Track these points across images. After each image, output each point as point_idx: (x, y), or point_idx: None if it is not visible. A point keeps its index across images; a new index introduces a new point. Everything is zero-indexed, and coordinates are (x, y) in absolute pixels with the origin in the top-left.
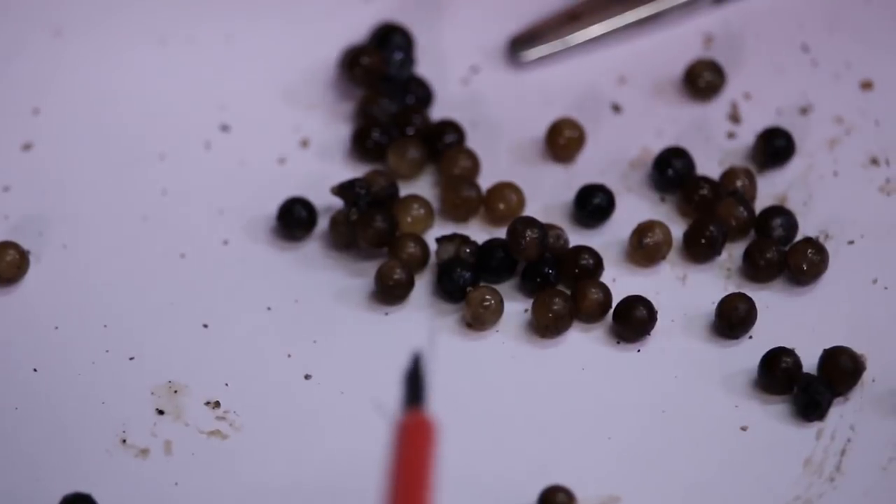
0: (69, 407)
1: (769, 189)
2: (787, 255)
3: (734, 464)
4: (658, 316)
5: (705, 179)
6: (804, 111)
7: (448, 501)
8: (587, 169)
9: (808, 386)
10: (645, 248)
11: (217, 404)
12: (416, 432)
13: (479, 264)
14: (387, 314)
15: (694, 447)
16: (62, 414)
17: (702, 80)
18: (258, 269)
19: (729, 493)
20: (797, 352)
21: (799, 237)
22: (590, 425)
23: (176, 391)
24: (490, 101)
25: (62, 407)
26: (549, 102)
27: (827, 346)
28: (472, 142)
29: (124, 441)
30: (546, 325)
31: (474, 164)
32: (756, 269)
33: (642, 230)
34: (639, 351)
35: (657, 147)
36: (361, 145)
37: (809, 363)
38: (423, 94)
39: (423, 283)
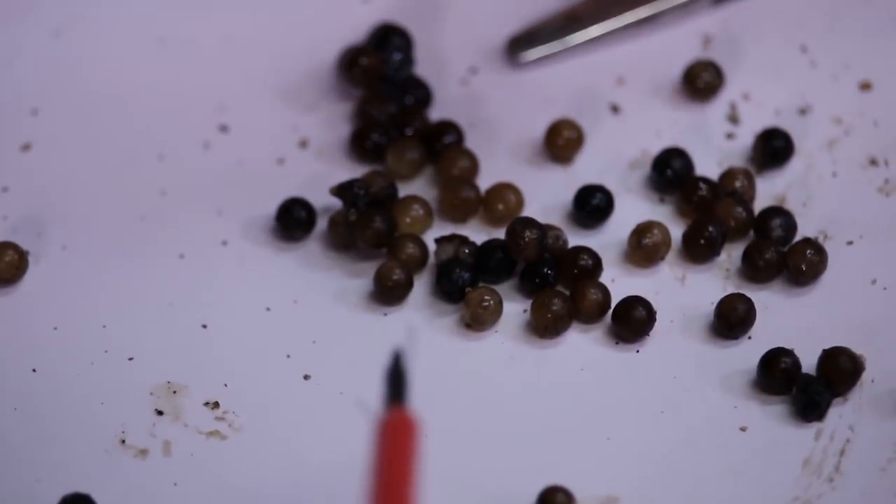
0: (68, 407)
1: (768, 189)
2: (787, 256)
3: (733, 464)
4: (657, 316)
5: (704, 180)
6: (803, 112)
7: (447, 501)
8: (586, 169)
9: (807, 386)
10: (644, 248)
11: (216, 405)
12: (398, 429)
13: (477, 265)
14: (386, 315)
15: (693, 447)
16: (61, 414)
17: (701, 81)
18: (257, 270)
19: (728, 494)
20: (796, 352)
21: (798, 238)
22: (589, 425)
23: (175, 391)
24: (489, 102)
25: (61, 407)
26: (548, 103)
27: (826, 347)
28: (471, 142)
29: (123, 441)
30: (545, 326)
31: (473, 164)
32: (755, 269)
33: (641, 231)
34: (638, 351)
35: (656, 147)
36: (360, 146)
37: (808, 363)
38: (422, 94)
39: (422, 284)
